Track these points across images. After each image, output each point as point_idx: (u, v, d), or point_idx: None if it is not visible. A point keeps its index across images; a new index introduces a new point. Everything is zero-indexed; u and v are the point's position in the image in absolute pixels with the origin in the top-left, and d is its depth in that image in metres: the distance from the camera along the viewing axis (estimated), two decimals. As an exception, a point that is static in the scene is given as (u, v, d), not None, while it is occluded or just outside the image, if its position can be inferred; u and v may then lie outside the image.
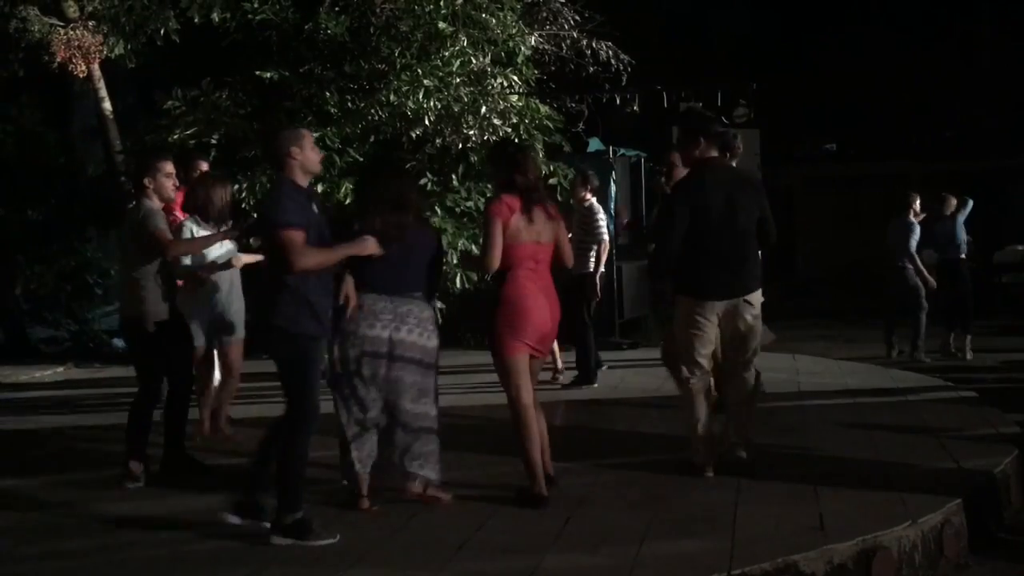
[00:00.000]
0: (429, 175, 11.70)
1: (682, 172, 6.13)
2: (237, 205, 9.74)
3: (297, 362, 4.78)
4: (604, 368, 9.58)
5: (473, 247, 10.37)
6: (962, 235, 11.50)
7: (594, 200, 9.41)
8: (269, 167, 11.32)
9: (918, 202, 11.66)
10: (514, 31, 12.25)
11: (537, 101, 12.51)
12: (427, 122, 11.38)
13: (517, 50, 12.38)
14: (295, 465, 4.77)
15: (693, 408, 5.66)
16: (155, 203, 5.99)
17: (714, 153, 5.78)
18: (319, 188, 11.31)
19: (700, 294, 5.61)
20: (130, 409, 5.97)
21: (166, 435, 6.13)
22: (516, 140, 11.26)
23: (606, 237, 9.20)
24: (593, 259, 9.08)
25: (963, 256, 11.53)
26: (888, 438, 6.57)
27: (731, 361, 5.78)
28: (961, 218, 11.54)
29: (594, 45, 13.22)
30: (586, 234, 9.11)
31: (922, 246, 11.48)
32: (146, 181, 5.97)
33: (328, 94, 11.73)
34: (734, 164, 6.64)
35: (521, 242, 5.23)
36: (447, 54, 11.69)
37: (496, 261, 5.21)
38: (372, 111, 11.61)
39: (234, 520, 4.89)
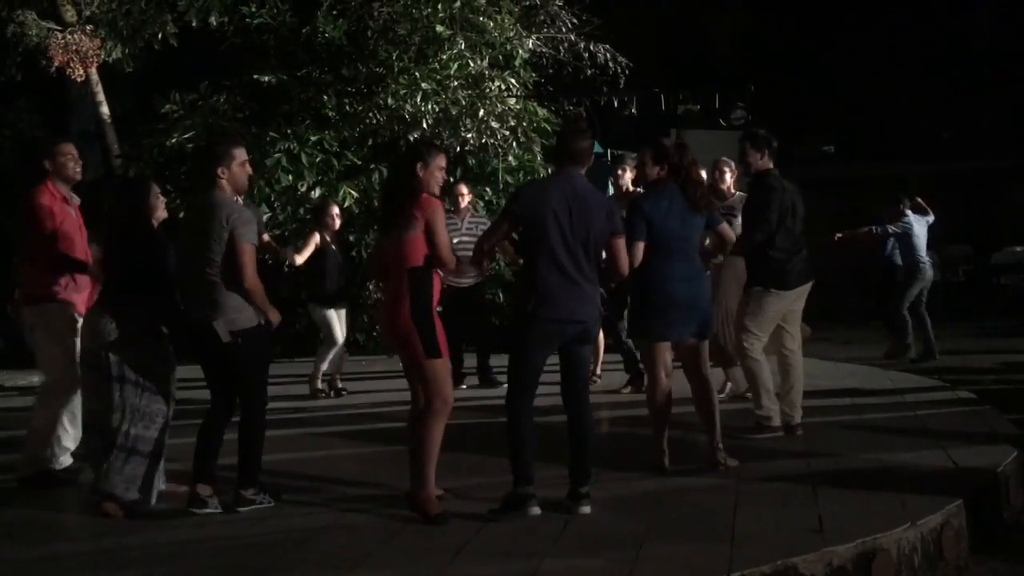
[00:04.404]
0: (427, 178, 11.69)
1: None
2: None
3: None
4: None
5: None
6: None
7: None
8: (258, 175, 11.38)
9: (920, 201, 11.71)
10: (512, 34, 12.27)
11: (535, 104, 12.54)
12: (425, 125, 11.39)
13: (515, 53, 12.40)
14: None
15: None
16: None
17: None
18: (317, 192, 11.35)
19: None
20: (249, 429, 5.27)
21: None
22: (514, 143, 11.31)
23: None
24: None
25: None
26: (887, 439, 6.55)
27: None
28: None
29: (592, 48, 13.23)
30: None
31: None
32: (219, 171, 5.26)
33: (326, 97, 11.74)
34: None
35: None
36: (445, 57, 11.71)
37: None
38: (370, 114, 11.62)
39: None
